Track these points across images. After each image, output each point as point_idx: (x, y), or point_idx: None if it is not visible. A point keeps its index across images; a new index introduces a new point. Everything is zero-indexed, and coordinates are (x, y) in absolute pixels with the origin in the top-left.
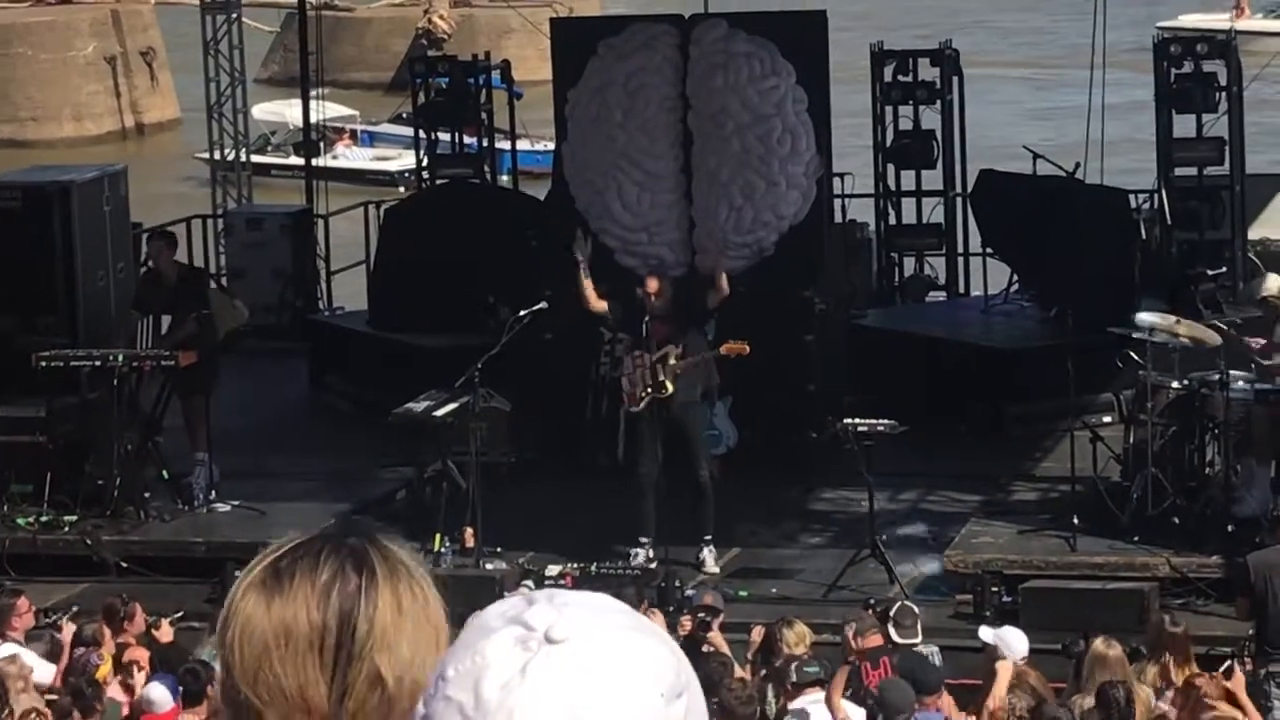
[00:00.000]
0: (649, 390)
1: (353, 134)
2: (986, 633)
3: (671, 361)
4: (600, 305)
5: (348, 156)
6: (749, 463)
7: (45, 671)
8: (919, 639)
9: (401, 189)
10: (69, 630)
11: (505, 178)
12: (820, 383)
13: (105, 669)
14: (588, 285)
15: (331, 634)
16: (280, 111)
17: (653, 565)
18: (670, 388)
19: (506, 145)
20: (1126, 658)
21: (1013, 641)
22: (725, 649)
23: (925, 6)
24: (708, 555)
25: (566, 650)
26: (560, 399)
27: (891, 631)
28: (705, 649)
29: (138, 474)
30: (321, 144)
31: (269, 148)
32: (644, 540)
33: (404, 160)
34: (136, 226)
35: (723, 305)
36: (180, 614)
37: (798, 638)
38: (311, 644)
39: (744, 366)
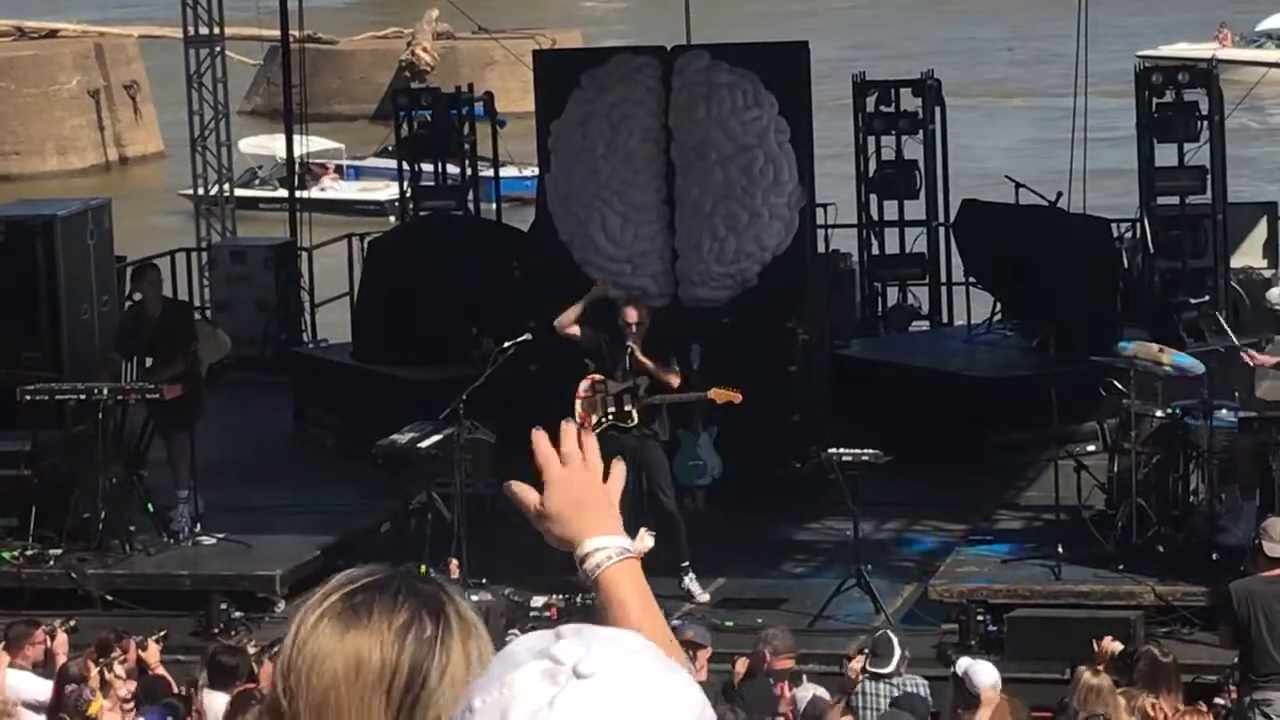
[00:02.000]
0: (608, 416)
1: (338, 168)
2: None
3: (642, 392)
4: (573, 330)
5: (335, 189)
6: (733, 493)
7: (43, 689)
8: (892, 669)
9: (391, 218)
10: (62, 641)
11: (492, 208)
12: (804, 413)
13: (96, 705)
14: (574, 310)
15: (402, 676)
16: (267, 145)
17: None
18: (636, 419)
19: (491, 174)
20: (1113, 686)
21: (979, 675)
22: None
23: (913, 37)
24: (691, 583)
25: (594, 685)
26: (544, 430)
27: (868, 661)
28: None
29: (123, 507)
30: (307, 178)
31: (256, 181)
32: None
33: (391, 191)
34: (121, 260)
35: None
36: (164, 633)
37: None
38: (381, 681)
39: None
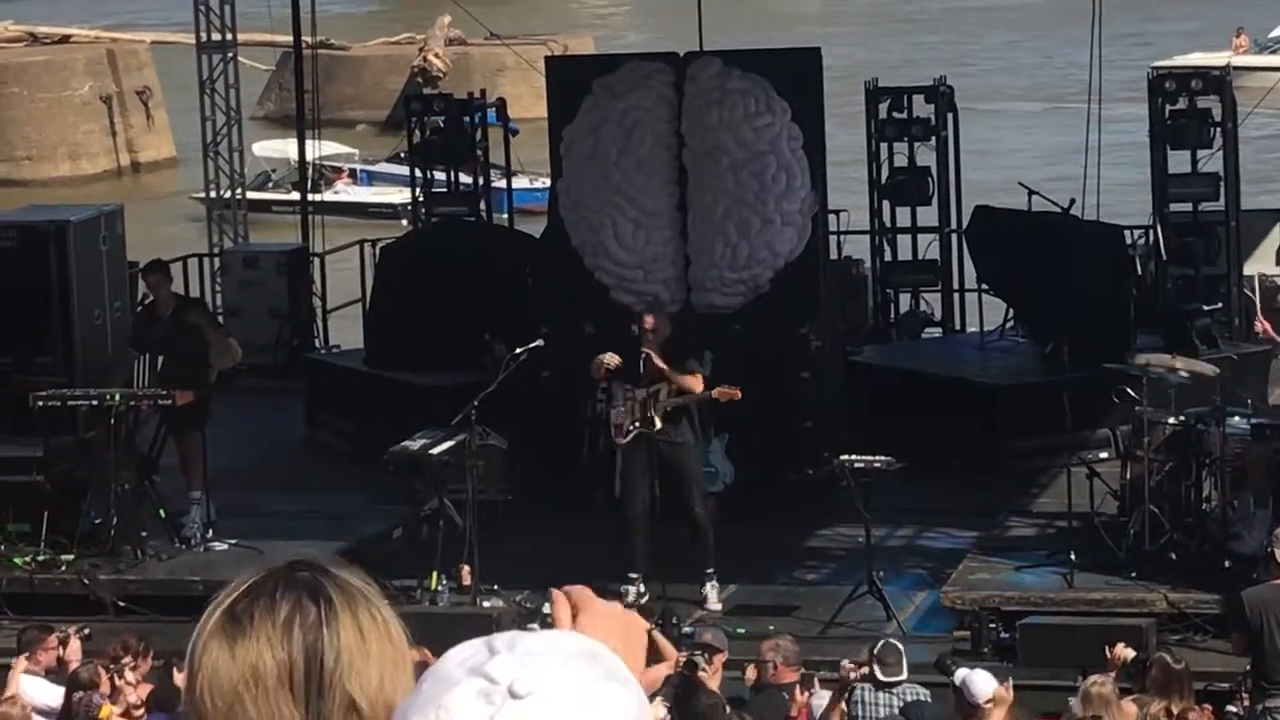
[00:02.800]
0: (636, 424)
1: (351, 172)
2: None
3: (662, 398)
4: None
5: (348, 193)
6: (746, 500)
7: (55, 695)
8: (903, 677)
9: (404, 222)
10: (75, 648)
11: (504, 216)
12: (816, 419)
13: (106, 711)
14: (612, 358)
15: (300, 669)
16: (281, 149)
17: (644, 601)
18: (658, 423)
19: (503, 183)
20: (1118, 694)
21: (977, 685)
22: (715, 688)
23: (927, 44)
24: (710, 591)
25: (530, 706)
26: (556, 436)
27: (876, 670)
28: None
29: (135, 513)
30: (321, 182)
31: (269, 184)
32: (633, 576)
33: (404, 195)
34: (133, 266)
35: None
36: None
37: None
38: (281, 681)
39: (740, 403)
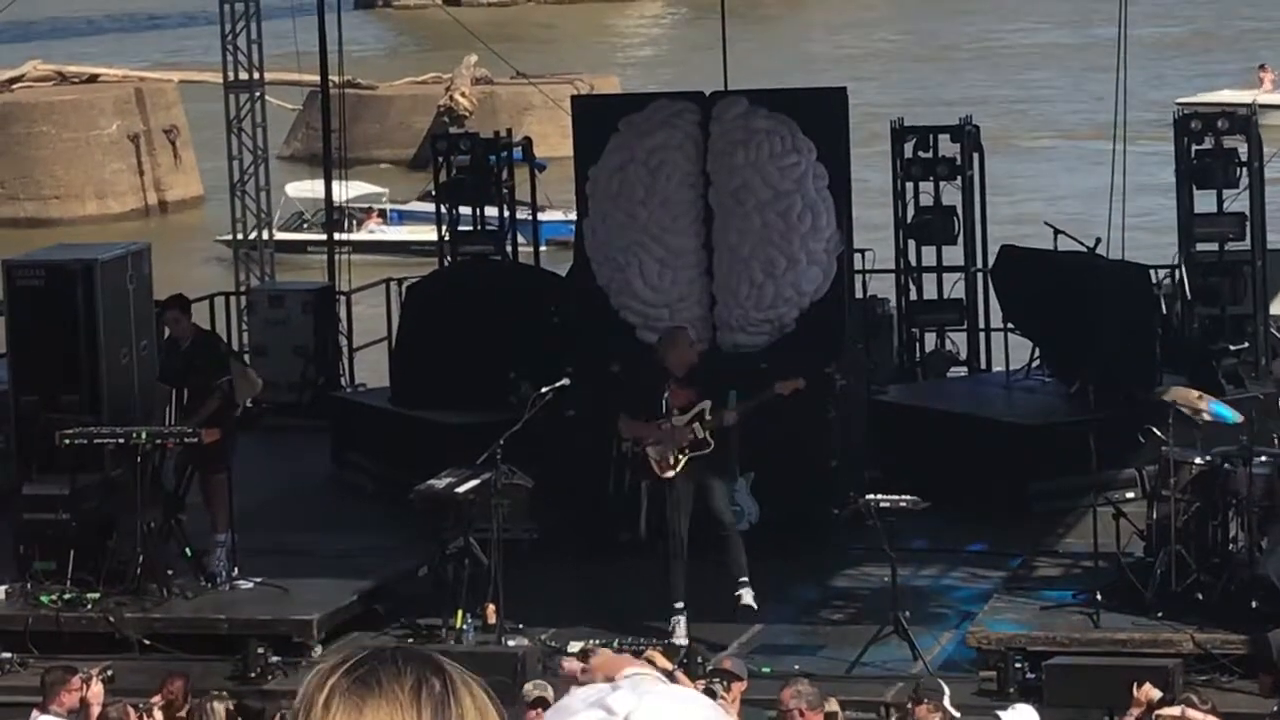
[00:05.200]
0: (686, 450)
1: (381, 212)
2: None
3: (708, 417)
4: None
5: (382, 233)
6: (771, 539)
7: None
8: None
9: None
10: (97, 691)
11: (544, 248)
12: (842, 459)
13: None
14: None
15: None
16: (314, 189)
17: (683, 640)
18: (712, 442)
19: (530, 220)
20: None
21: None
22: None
23: (953, 83)
24: (747, 596)
25: None
26: (582, 475)
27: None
28: None
29: (161, 551)
30: (353, 222)
31: (304, 225)
32: (679, 607)
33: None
34: (159, 305)
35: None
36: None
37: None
38: None
39: (766, 443)
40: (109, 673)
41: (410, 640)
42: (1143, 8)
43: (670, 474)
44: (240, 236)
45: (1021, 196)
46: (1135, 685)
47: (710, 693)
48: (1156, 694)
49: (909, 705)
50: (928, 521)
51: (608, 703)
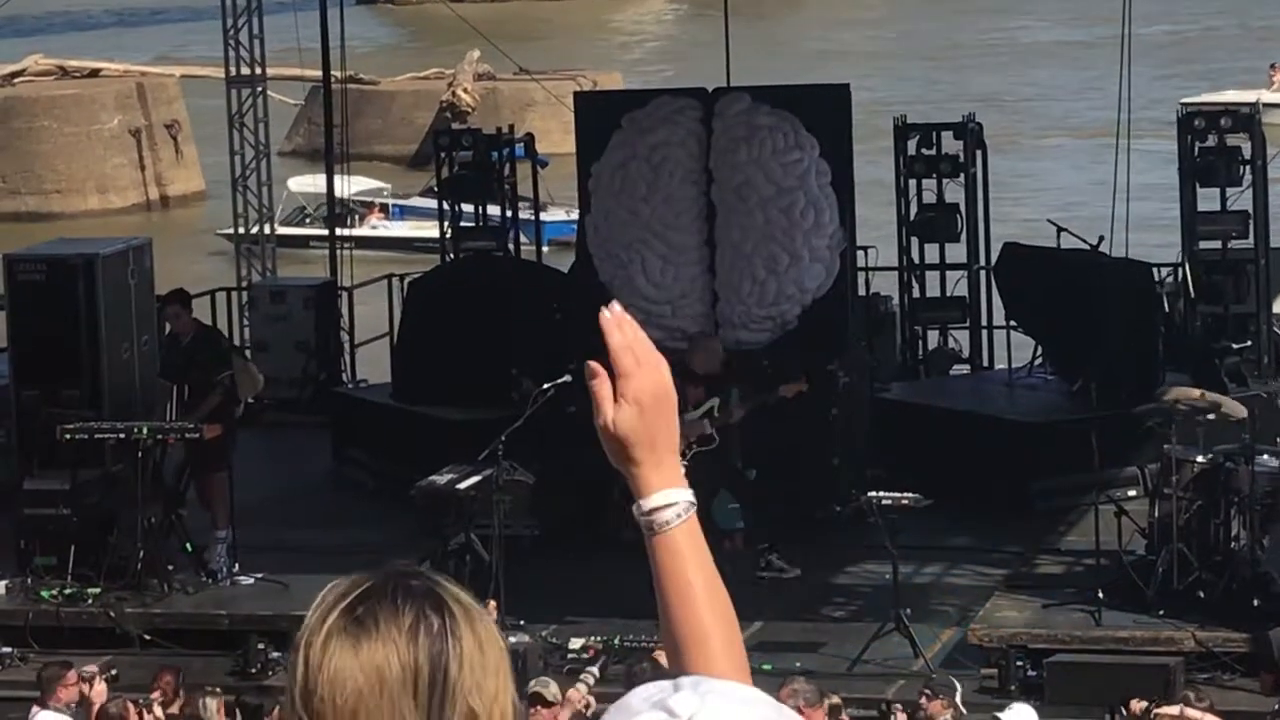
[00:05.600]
0: (694, 445)
1: (383, 207)
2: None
3: (716, 414)
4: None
5: (385, 228)
6: (773, 536)
7: None
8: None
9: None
10: (100, 690)
11: (546, 248)
12: (844, 456)
13: None
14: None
15: (424, 675)
16: (316, 184)
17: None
18: (718, 438)
19: (532, 217)
20: None
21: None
22: None
23: (958, 80)
24: (777, 559)
25: None
26: (584, 472)
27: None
28: None
29: (161, 547)
30: (357, 217)
31: (306, 220)
32: None
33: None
34: (160, 300)
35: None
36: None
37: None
38: (405, 686)
39: (768, 440)
40: (112, 670)
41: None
42: (1154, 5)
43: (686, 464)
44: (242, 231)
45: (1024, 194)
46: (1126, 706)
47: None
48: (1142, 705)
49: (921, 701)
50: (929, 519)
51: (669, 704)
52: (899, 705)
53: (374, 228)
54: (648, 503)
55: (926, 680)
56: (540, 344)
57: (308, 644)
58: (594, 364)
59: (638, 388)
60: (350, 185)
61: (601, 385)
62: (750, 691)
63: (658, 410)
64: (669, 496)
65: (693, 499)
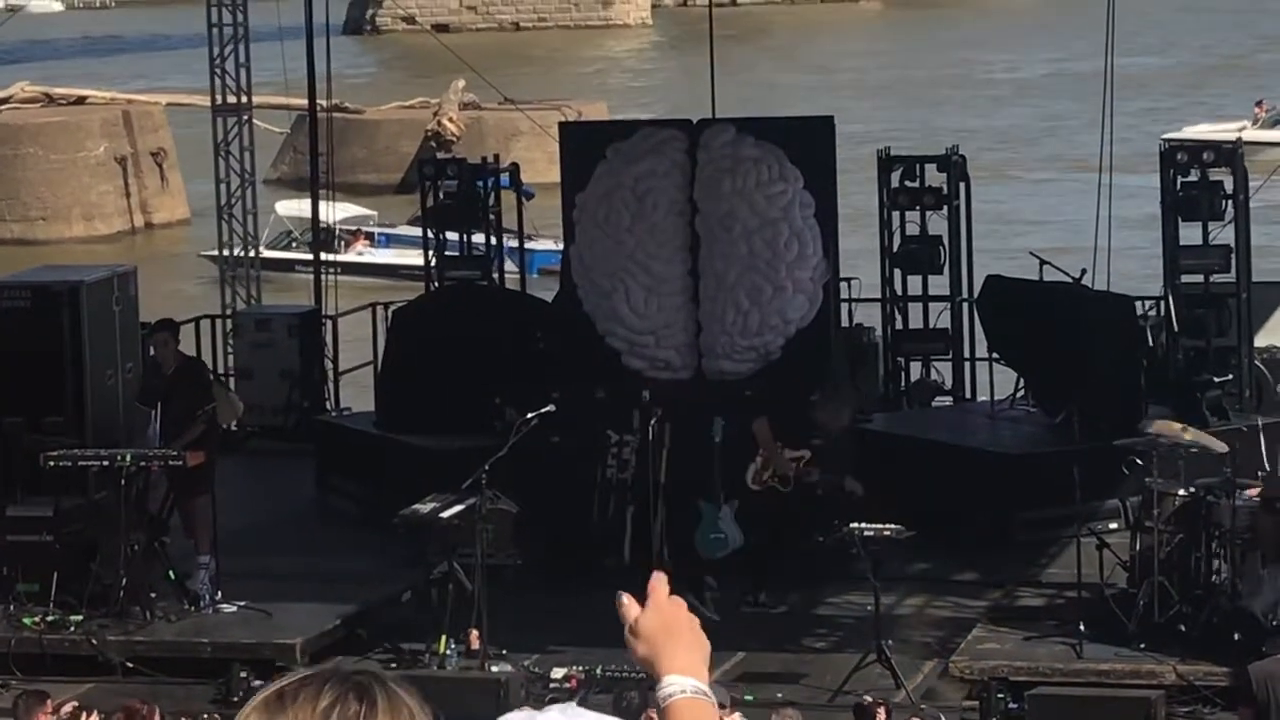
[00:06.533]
0: (773, 480)
1: (369, 235)
2: None
3: (803, 465)
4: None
5: (371, 255)
6: (754, 566)
7: None
8: None
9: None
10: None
11: (535, 276)
12: (826, 487)
13: None
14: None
15: None
16: (303, 208)
17: None
18: (788, 488)
19: (522, 245)
20: None
21: None
22: None
23: (942, 114)
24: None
25: None
26: (567, 501)
27: None
28: None
29: (144, 574)
30: (343, 243)
31: (293, 244)
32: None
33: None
34: (145, 327)
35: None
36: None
37: None
38: None
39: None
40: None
41: (393, 665)
42: (1147, 40)
43: (755, 487)
44: (227, 258)
45: (1007, 226)
46: None
47: None
48: None
49: None
50: (912, 550)
51: None
52: (885, 704)
53: (360, 254)
54: (659, 684)
55: (914, 710)
56: (524, 373)
57: (239, 715)
58: (624, 596)
59: (646, 619)
60: (337, 211)
61: (630, 608)
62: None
63: (667, 633)
64: (675, 681)
65: (704, 688)
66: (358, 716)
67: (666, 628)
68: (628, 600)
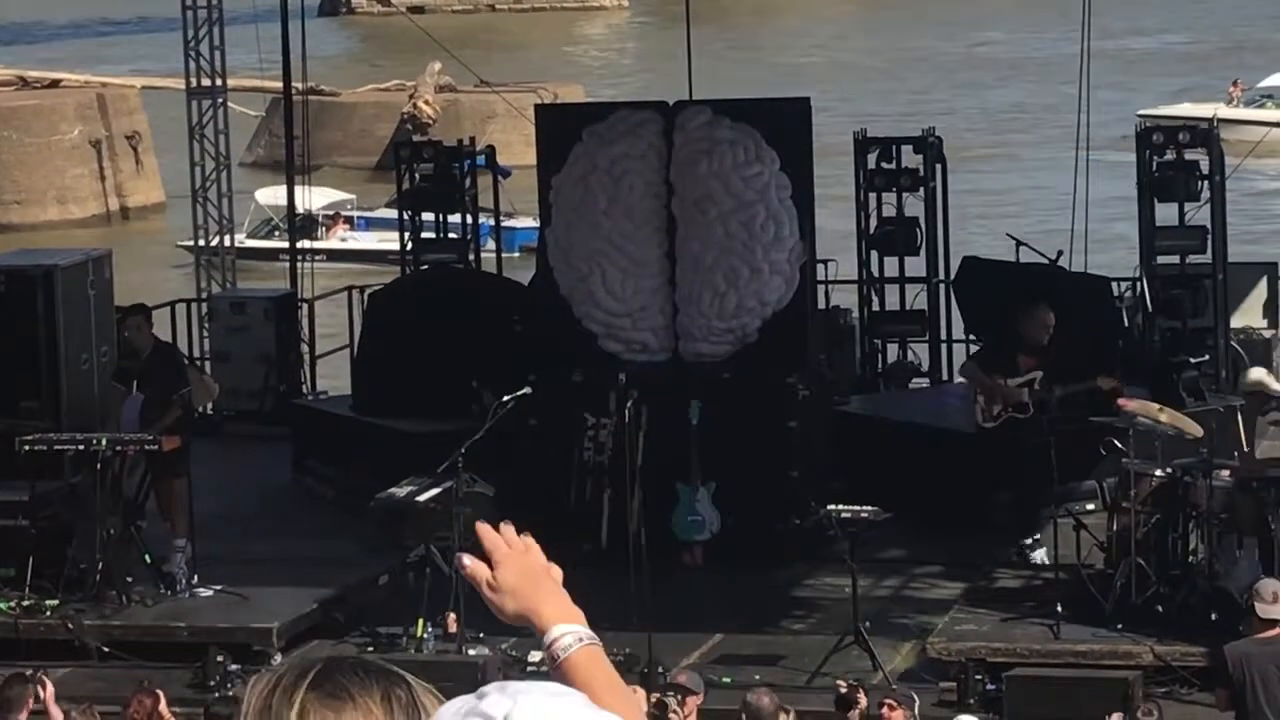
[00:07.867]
0: (1008, 409)
1: (348, 219)
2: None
3: (1036, 386)
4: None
5: (355, 239)
6: (732, 549)
7: None
8: None
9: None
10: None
11: (516, 254)
12: (803, 469)
13: None
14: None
15: None
16: (283, 196)
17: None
18: (1032, 408)
19: (498, 224)
20: None
21: None
22: None
23: (920, 95)
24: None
25: None
26: (544, 484)
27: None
28: None
29: (120, 558)
30: (323, 229)
31: (275, 233)
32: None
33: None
34: (120, 311)
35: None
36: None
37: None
38: None
39: (728, 452)
40: (87, 704)
41: (371, 650)
42: (1132, 21)
43: (989, 424)
44: (202, 243)
45: (983, 207)
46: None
47: (663, 705)
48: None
49: (884, 712)
50: (889, 532)
51: (482, 709)
52: (861, 685)
53: (342, 240)
54: (546, 636)
55: (887, 691)
56: (500, 356)
57: (278, 713)
58: (465, 557)
59: (503, 574)
60: (315, 198)
61: (477, 569)
62: (557, 686)
63: (531, 582)
64: (564, 629)
65: (589, 633)
66: (412, 703)
67: (529, 576)
68: (470, 561)
